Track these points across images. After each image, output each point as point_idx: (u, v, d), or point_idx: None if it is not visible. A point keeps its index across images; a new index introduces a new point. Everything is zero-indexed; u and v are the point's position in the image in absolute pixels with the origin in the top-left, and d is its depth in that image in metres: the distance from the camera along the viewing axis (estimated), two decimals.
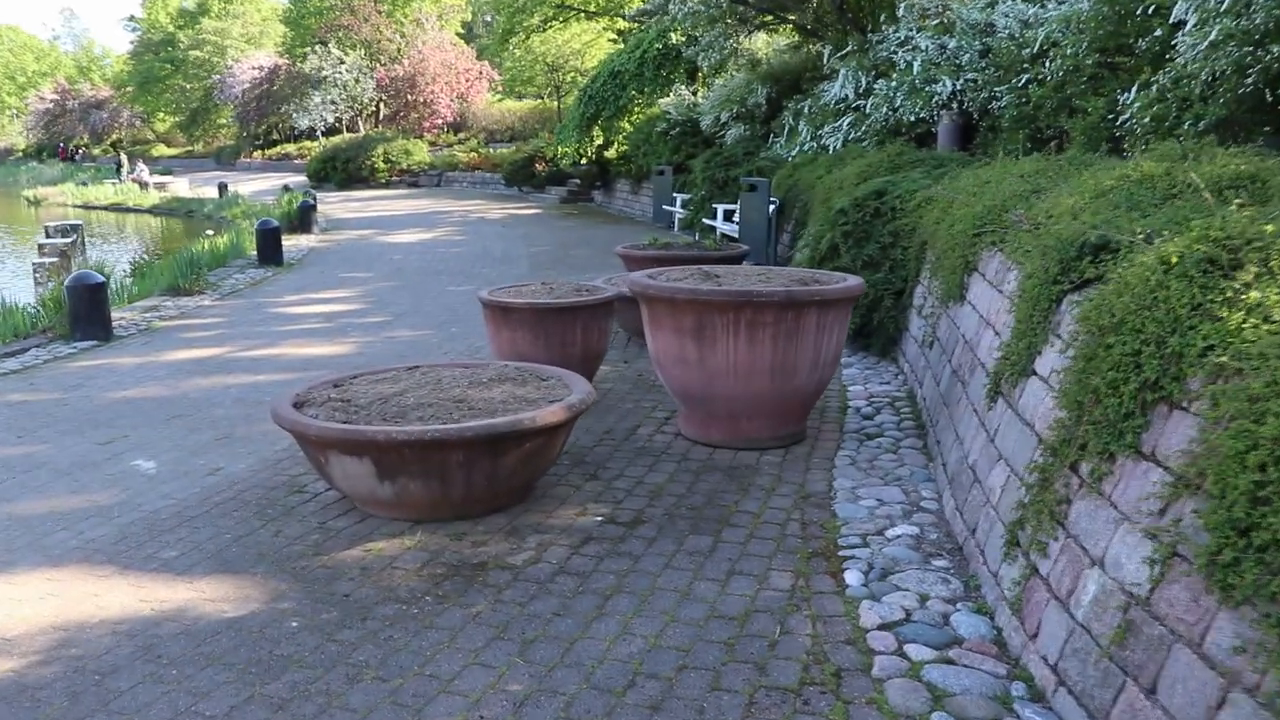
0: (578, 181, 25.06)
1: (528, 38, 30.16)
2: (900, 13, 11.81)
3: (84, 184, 38.09)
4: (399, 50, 40.72)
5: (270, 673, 2.85)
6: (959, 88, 9.75)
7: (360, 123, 40.83)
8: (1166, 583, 2.19)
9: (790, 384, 4.79)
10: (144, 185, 35.35)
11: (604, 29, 30.81)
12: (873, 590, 3.30)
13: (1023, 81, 8.35)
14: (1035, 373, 3.36)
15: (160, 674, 2.86)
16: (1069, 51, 7.16)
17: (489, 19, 47.92)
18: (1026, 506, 2.99)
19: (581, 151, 23.38)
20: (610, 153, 23.27)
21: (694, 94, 19.10)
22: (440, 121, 39.73)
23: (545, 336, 5.96)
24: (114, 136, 60.74)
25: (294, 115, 40.71)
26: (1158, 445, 2.39)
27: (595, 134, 22.67)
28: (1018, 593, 2.92)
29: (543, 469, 4.24)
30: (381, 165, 32.41)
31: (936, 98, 9.95)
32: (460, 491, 3.92)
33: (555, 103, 35.80)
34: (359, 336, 8.37)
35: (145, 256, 17.14)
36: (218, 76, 46.93)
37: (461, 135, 39.14)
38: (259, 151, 46.12)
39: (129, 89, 60.12)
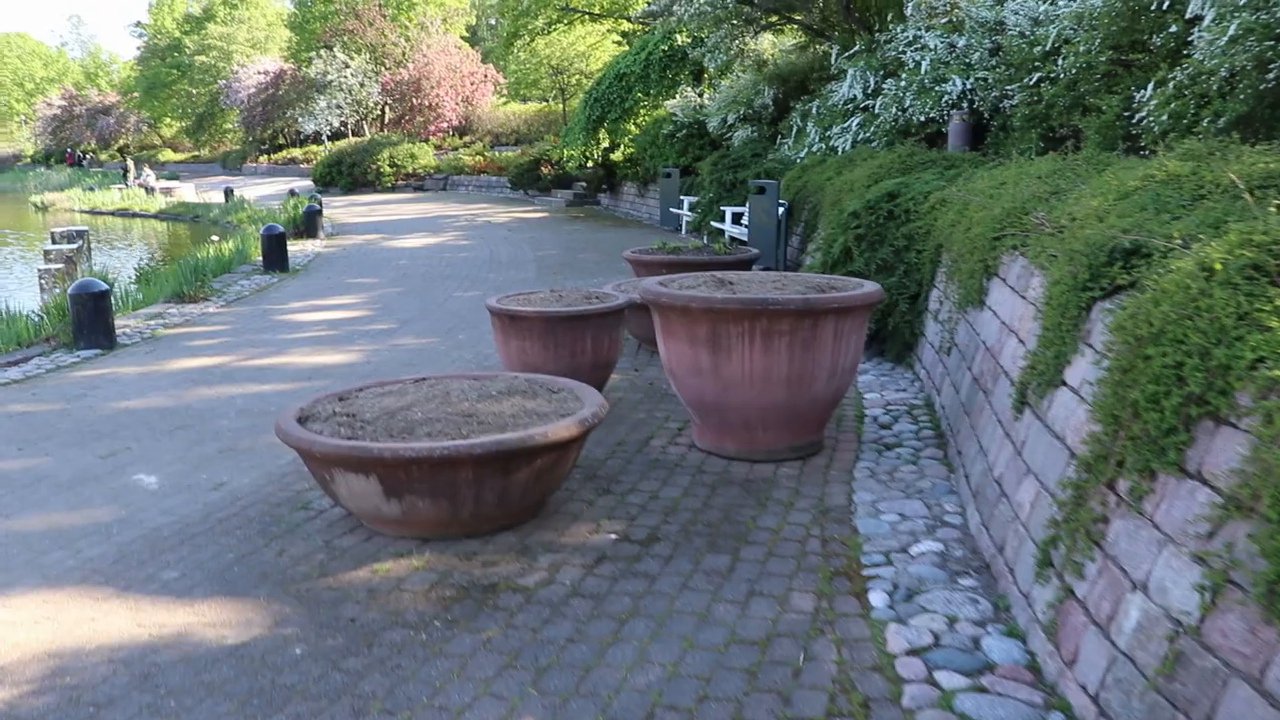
0: (584, 184, 24.93)
1: (532, 40, 30.15)
2: (908, 11, 11.65)
3: (91, 189, 38.12)
4: (404, 54, 40.72)
5: (273, 704, 2.73)
6: (969, 87, 9.61)
7: (366, 127, 40.80)
8: (1219, 611, 2.06)
9: (807, 393, 4.66)
10: (150, 190, 35.39)
11: (609, 31, 30.72)
12: (899, 612, 3.16)
13: (1034, 80, 8.19)
14: (1065, 383, 3.23)
15: (158, 705, 2.75)
16: (1081, 49, 7.02)
17: (493, 22, 47.95)
18: (1060, 525, 2.86)
19: (587, 154, 23.26)
20: (616, 155, 23.14)
21: (700, 96, 18.95)
22: (445, 125, 39.74)
23: (555, 345, 5.84)
24: (121, 142, 60.94)
25: (299, 120, 40.76)
26: (1204, 463, 2.26)
27: (601, 137, 22.54)
28: (1052, 616, 2.78)
29: (554, 485, 4.12)
30: (387, 169, 32.34)
31: (946, 97, 9.81)
32: (470, 509, 3.80)
33: (561, 105, 35.76)
34: (365, 344, 8.27)
35: (151, 262, 17.07)
36: (223, 81, 47.05)
37: (467, 139, 39.12)
38: (265, 156, 46.17)
39: (135, 94, 60.44)
